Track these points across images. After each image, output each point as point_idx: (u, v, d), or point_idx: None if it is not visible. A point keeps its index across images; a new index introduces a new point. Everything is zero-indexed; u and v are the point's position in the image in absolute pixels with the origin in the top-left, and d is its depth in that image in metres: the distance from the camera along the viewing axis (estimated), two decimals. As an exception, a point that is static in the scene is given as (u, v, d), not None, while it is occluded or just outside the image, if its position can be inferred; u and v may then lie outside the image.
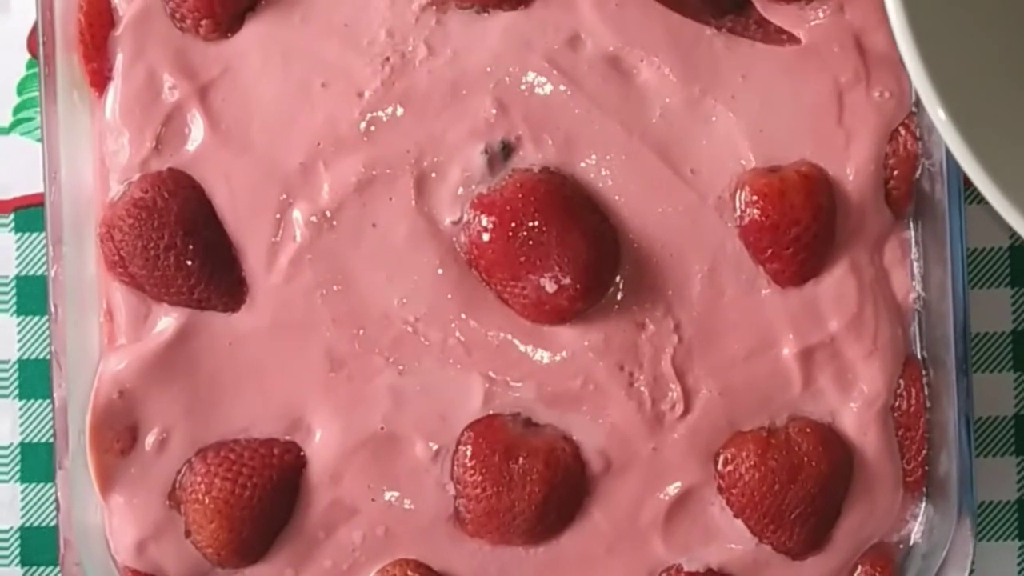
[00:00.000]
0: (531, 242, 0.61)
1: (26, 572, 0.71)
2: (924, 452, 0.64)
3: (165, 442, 0.63)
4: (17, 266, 0.71)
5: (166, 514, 0.63)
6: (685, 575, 0.63)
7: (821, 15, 0.62)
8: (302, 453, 0.63)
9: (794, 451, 0.62)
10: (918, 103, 0.63)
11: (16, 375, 0.71)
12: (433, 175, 0.62)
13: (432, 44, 0.62)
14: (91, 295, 0.63)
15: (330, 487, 0.63)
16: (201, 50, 0.62)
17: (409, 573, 0.63)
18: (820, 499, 0.62)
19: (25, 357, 0.71)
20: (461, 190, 0.62)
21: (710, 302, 0.63)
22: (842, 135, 0.62)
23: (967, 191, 0.61)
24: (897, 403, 0.64)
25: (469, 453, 0.62)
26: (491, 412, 0.63)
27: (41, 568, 0.72)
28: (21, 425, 0.71)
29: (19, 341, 0.71)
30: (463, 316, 0.63)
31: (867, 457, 0.63)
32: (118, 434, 0.62)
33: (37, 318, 0.71)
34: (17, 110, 0.72)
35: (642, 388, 0.63)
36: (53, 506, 0.70)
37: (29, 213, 0.71)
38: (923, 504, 0.65)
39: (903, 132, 0.63)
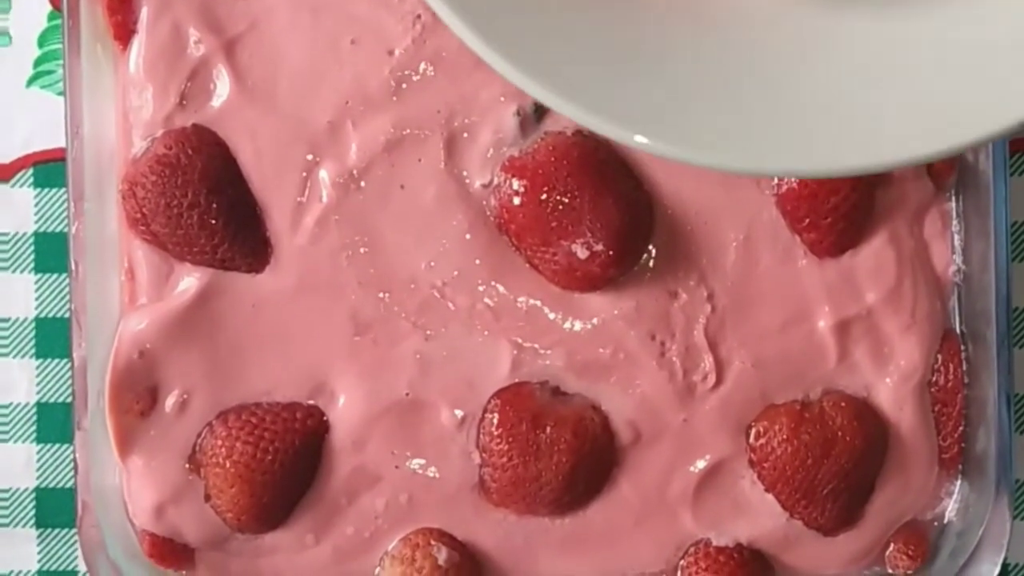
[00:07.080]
0: (563, 207, 0.59)
1: (41, 534, 0.71)
2: (961, 428, 0.63)
3: (185, 404, 0.62)
4: (36, 222, 0.70)
5: (185, 478, 0.62)
6: (714, 549, 0.62)
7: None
8: (325, 418, 0.62)
9: (828, 425, 0.61)
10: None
11: (33, 333, 0.70)
12: (464, 136, 0.61)
13: (465, 1, 0.61)
14: (112, 253, 0.62)
15: (353, 453, 0.62)
16: (228, 4, 0.61)
17: (432, 542, 0.62)
18: (853, 475, 0.61)
19: (43, 315, 0.70)
20: (492, 152, 0.61)
21: (745, 271, 0.62)
22: (884, 102, 0.61)
23: (1012, 162, 0.59)
24: (934, 378, 0.63)
25: (496, 421, 0.61)
26: (519, 380, 0.62)
27: (56, 530, 0.71)
28: (38, 384, 0.70)
29: (37, 299, 0.70)
30: (492, 282, 0.61)
31: (902, 433, 0.62)
32: (138, 395, 0.61)
33: (56, 276, 0.70)
34: (38, 63, 0.70)
35: (674, 358, 0.62)
36: (70, 467, 0.69)
37: (49, 168, 0.70)
38: (959, 482, 0.64)
39: (947, 101, 0.62)
